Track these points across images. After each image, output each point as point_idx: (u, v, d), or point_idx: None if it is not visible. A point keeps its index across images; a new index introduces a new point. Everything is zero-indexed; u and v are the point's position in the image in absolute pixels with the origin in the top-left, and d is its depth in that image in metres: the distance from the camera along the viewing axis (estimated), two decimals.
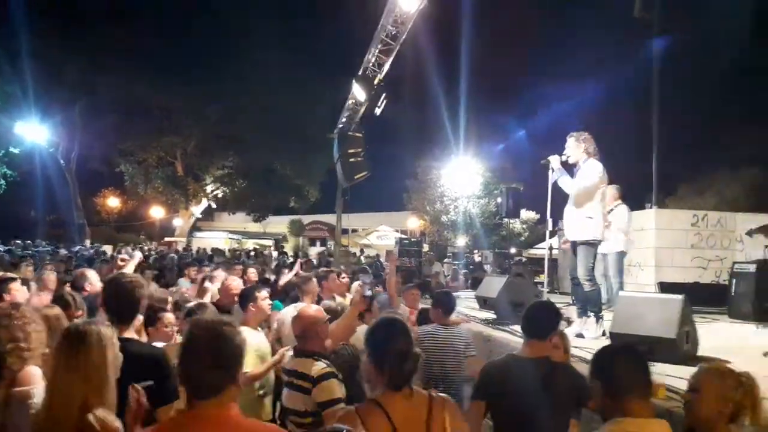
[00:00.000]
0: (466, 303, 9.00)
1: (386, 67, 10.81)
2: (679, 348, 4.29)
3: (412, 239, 15.58)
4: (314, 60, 27.38)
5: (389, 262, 7.23)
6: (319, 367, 3.10)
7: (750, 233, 8.62)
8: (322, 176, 30.60)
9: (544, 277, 6.27)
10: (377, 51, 10.48)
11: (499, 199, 22.30)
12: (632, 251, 9.55)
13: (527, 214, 26.64)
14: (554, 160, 5.82)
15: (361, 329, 4.67)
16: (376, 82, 10.84)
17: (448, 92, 23.05)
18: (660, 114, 12.34)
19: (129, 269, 4.78)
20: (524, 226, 28.85)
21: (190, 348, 1.87)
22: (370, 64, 10.80)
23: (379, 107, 11.24)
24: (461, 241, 28.37)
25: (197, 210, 33.46)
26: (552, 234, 13.10)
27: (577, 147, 5.78)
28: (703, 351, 4.71)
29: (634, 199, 11.38)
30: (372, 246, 31.67)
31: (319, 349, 3.30)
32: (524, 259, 20.56)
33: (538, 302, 3.39)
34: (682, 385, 3.43)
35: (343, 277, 7.27)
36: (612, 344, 2.31)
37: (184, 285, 7.92)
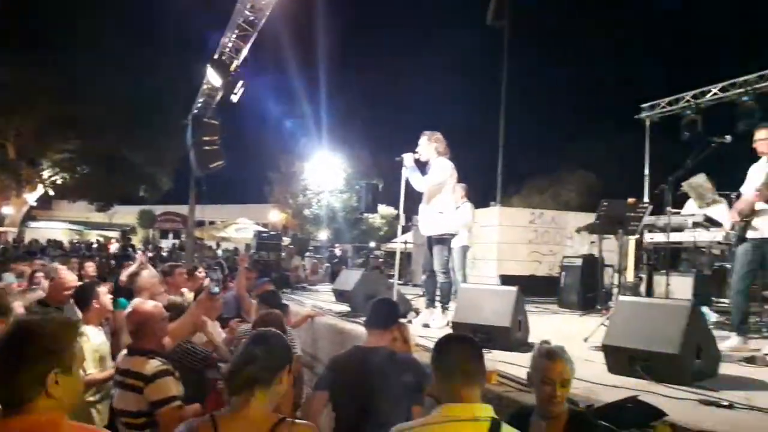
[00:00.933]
0: (324, 297, 9.06)
1: (244, 54, 10.48)
2: (513, 335, 4.63)
3: (271, 232, 15.34)
4: (169, 40, 25.73)
5: (239, 261, 7.04)
6: (154, 365, 2.94)
7: (578, 230, 9.55)
8: (175, 164, 28.90)
9: (396, 270, 6.45)
10: (234, 36, 10.13)
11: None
12: (478, 246, 10.19)
13: (387, 209, 27.40)
14: (407, 158, 6.00)
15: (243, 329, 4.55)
16: (232, 68, 10.47)
17: (311, 85, 22.99)
18: (507, 119, 13.32)
19: None
20: (384, 220, 29.61)
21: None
22: (227, 49, 10.41)
23: (235, 94, 10.87)
24: (323, 234, 28.48)
25: (32, 197, 30.09)
26: (405, 229, 13.64)
27: (428, 146, 6.02)
28: (533, 338, 5.12)
29: (484, 197, 12.18)
30: (230, 239, 30.68)
31: (155, 346, 3.12)
32: (382, 253, 21.15)
33: (381, 297, 3.51)
34: (513, 370, 3.73)
35: (200, 272, 6.96)
36: (448, 333, 2.40)
37: (8, 280, 7.14)
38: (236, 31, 10.02)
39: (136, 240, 30.63)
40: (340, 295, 7.74)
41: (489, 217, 10.99)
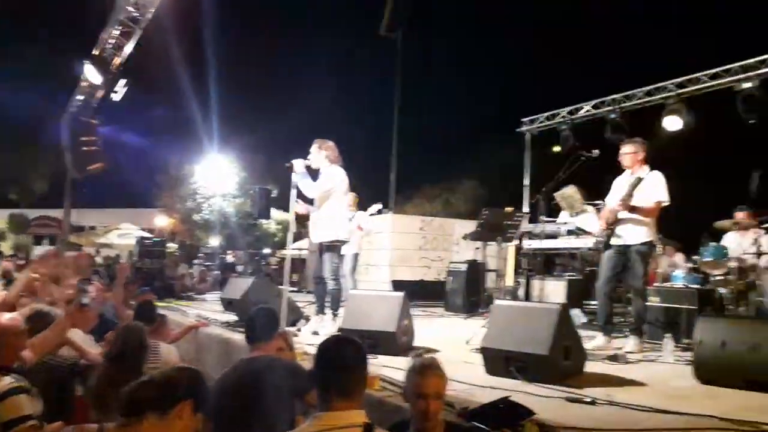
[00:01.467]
0: (212, 306, 8.75)
1: (127, 51, 9.92)
2: (398, 340, 4.72)
3: (155, 238, 14.57)
4: (45, 34, 23.85)
5: (119, 270, 6.64)
6: (5, 382, 2.68)
7: (464, 237, 9.93)
8: (51, 166, 26.71)
9: (285, 278, 6.35)
10: (116, 32, 9.57)
11: None
12: (371, 252, 10.31)
13: (282, 215, 26.99)
14: (297, 164, 5.95)
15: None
16: (114, 65, 9.88)
17: (203, 86, 22.22)
18: (400, 129, 13.64)
19: None
20: (279, 226, 29.15)
21: None
22: (108, 45, 9.81)
23: (117, 92, 10.26)
24: (215, 241, 27.49)
25: None
26: (301, 235, 13.51)
27: (318, 153, 6.02)
28: (419, 342, 5.26)
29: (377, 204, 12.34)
30: (112, 245, 28.79)
31: (10, 362, 2.85)
32: (277, 260, 20.79)
33: (258, 308, 3.44)
34: (398, 375, 3.80)
35: (75, 281, 6.46)
36: (330, 337, 2.36)
37: None
38: (118, 27, 9.47)
39: (5, 246, 27.91)
40: (229, 304, 7.49)
41: (382, 224, 11.16)
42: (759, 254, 5.51)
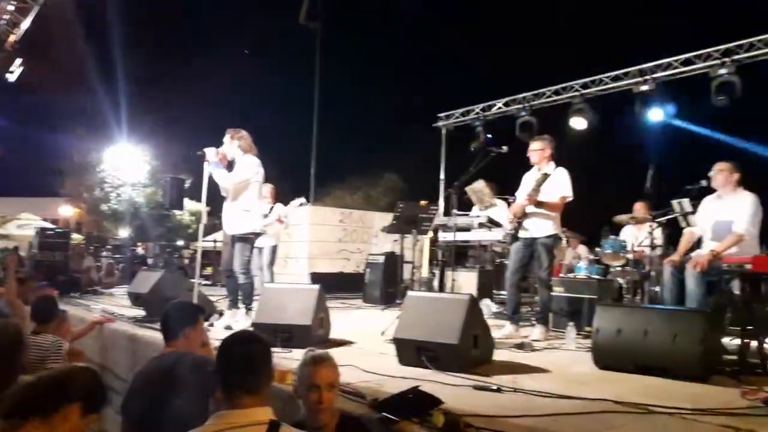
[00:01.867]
0: (120, 300, 8.36)
1: (24, 28, 9.21)
2: (314, 333, 4.70)
3: (57, 229, 13.69)
4: None
5: (8, 262, 6.19)
6: None
7: (382, 230, 10.02)
8: None
9: (197, 270, 6.17)
10: (11, 8, 8.85)
11: None
12: (290, 244, 10.19)
13: (196, 206, 26.12)
14: (209, 153, 5.77)
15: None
16: (9, 43, 9.15)
17: (110, 69, 21.05)
18: (320, 120, 13.54)
19: None
20: (193, 217, 28.21)
21: None
22: (2, 21, 9.07)
23: (12, 73, 9.52)
24: (124, 232, 26.21)
25: None
26: (215, 227, 13.12)
27: (231, 143, 5.87)
28: (335, 334, 5.26)
29: (297, 196, 12.21)
30: (10, 237, 26.81)
31: None
32: (191, 252, 20.13)
33: (171, 303, 3.32)
34: None
35: None
36: (231, 334, 2.30)
37: None
38: (13, 2, 8.76)
39: None
40: (136, 299, 7.18)
41: (301, 216, 11.06)
42: (653, 247, 5.90)
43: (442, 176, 12.18)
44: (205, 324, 5.84)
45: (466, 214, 7.32)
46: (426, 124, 12.63)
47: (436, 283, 7.53)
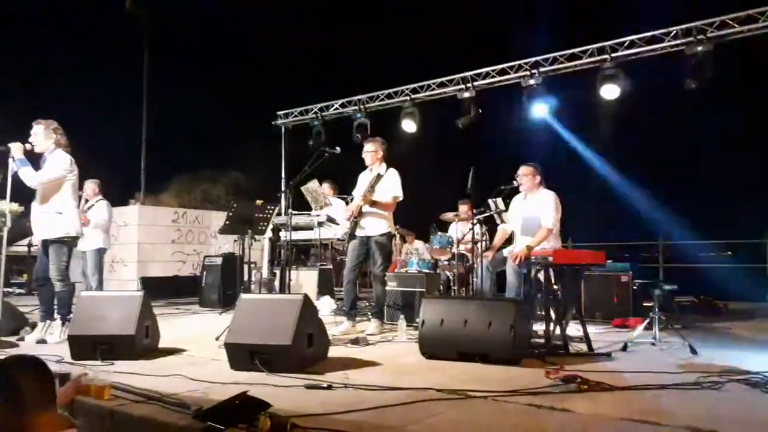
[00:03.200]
0: None
1: None
2: (138, 343, 4.41)
3: None
4: None
5: None
6: None
7: (220, 231, 9.69)
8: None
9: (0, 279, 5.46)
10: None
11: None
12: (116, 247, 9.45)
13: (7, 205, 23.12)
14: (15, 148, 5.16)
15: None
16: None
17: None
18: (150, 113, 12.72)
19: None
20: (2, 219, 24.94)
21: None
22: None
23: None
24: None
25: None
26: (26, 230, 11.73)
27: (46, 135, 5.32)
28: (166, 342, 4.98)
29: (124, 195, 11.39)
30: None
31: None
32: None
33: None
34: (135, 381, 3.55)
35: None
36: (9, 356, 2.07)
37: None
38: None
39: None
40: None
41: (128, 216, 10.31)
42: (474, 242, 6.39)
43: (283, 175, 12.08)
44: (13, 338, 5.26)
45: (308, 213, 7.35)
46: (267, 122, 12.42)
47: (277, 284, 7.47)
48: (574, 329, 5.10)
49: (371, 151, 5.89)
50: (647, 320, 5.02)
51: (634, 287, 6.60)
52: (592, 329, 5.36)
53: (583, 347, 4.68)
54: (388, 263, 5.96)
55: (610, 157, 12.14)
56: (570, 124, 11.22)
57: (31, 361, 1.99)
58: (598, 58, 8.47)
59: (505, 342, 4.04)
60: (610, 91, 8.26)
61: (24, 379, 1.89)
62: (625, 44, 8.30)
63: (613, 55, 8.30)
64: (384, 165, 5.88)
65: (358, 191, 5.92)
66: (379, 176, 5.71)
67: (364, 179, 5.95)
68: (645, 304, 6.48)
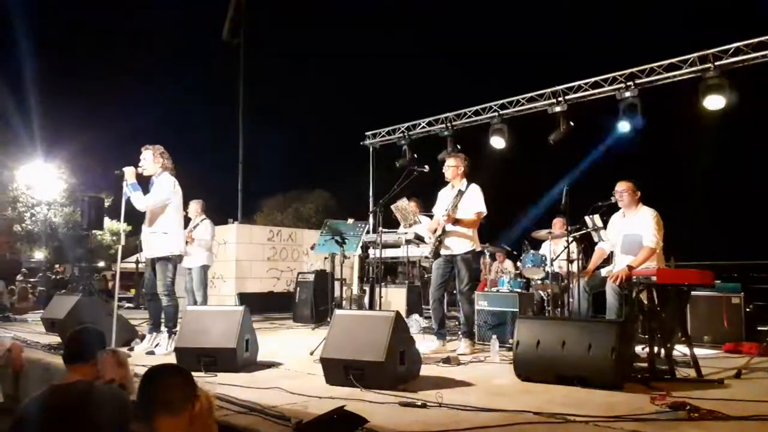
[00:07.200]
0: (35, 327, 7.86)
1: None
2: (239, 356, 4.60)
3: None
4: None
5: None
6: None
7: (312, 248, 9.98)
8: None
9: (115, 293, 5.91)
10: None
11: None
12: (217, 264, 9.95)
13: (117, 225, 25.07)
14: (128, 172, 5.60)
15: None
16: None
17: (20, 84, 19.97)
18: (247, 138, 13.39)
19: None
20: (115, 238, 27.03)
21: None
22: None
23: None
24: (40, 254, 24.76)
25: None
26: (134, 248, 12.62)
27: (154, 160, 5.72)
28: (263, 356, 5.18)
29: (226, 215, 11.99)
30: None
31: None
32: (113, 273, 19.30)
33: (79, 327, 3.17)
34: (236, 392, 3.72)
35: None
36: (152, 367, 2.23)
37: None
38: None
39: None
40: (51, 325, 6.81)
41: (227, 234, 10.85)
42: (570, 261, 6.18)
43: (371, 193, 12.28)
44: (125, 348, 5.66)
45: (394, 231, 7.43)
46: (354, 140, 12.72)
47: (366, 300, 7.57)
48: (679, 354, 4.79)
49: (453, 165, 5.87)
50: (764, 345, 4.63)
51: (747, 309, 6.12)
52: (700, 354, 5.01)
53: (691, 372, 4.38)
54: (476, 282, 5.88)
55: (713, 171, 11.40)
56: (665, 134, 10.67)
57: (172, 370, 2.13)
58: (700, 67, 8.03)
59: (606, 365, 3.87)
60: (714, 102, 7.80)
61: (154, 387, 2.03)
62: (730, 51, 7.81)
63: (716, 63, 7.84)
64: (465, 181, 5.83)
65: (439, 208, 5.90)
66: (460, 192, 5.67)
67: (444, 195, 5.93)
68: (760, 327, 5.99)
